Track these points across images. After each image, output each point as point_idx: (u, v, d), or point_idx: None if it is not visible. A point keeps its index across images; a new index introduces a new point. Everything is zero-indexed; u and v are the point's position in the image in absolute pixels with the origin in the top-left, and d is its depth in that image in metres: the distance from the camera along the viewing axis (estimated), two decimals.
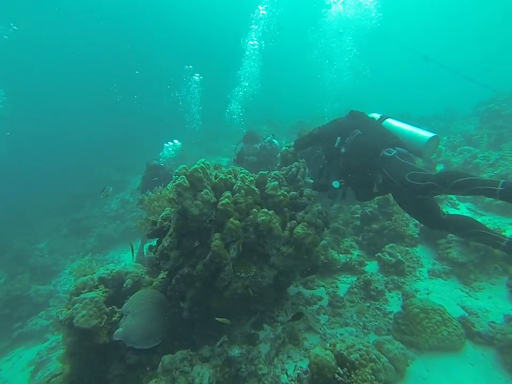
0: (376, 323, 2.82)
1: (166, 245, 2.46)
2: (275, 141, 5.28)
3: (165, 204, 2.95)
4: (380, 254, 3.67)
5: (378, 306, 3.07)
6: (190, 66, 11.95)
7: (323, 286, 3.77)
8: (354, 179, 2.93)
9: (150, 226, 2.64)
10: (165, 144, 9.11)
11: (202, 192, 2.42)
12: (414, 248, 3.83)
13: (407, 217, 4.03)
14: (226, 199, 2.47)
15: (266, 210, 2.68)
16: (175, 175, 2.40)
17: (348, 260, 4.02)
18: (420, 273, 3.38)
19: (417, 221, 4.04)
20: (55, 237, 9.60)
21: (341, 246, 4.48)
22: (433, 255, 3.62)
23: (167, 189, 2.75)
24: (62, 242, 8.87)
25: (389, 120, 2.98)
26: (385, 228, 4.04)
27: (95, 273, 3.30)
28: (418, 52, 9.97)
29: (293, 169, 3.12)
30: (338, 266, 4.01)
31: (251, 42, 10.64)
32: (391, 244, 3.75)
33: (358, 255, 4.11)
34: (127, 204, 9.34)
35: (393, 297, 3.16)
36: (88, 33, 23.60)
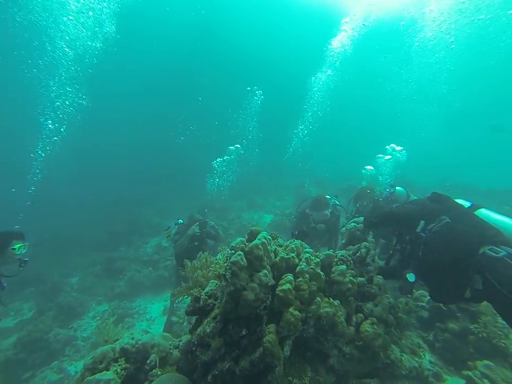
0: None
1: (208, 331, 2.06)
2: (336, 201, 4.83)
3: (210, 273, 2.62)
4: (471, 373, 2.85)
5: None
6: (255, 88, 12.08)
7: None
8: (435, 275, 2.38)
9: (192, 303, 2.29)
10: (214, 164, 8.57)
11: (260, 273, 2.06)
12: None
13: (503, 324, 3.19)
14: (288, 284, 2.08)
15: (331, 300, 2.21)
16: (230, 250, 2.10)
17: (416, 364, 3.20)
18: None
19: None
20: (88, 274, 9.61)
21: (403, 341, 3.65)
22: None
23: (217, 261, 2.44)
24: (93, 280, 8.80)
25: (484, 211, 2.50)
26: (470, 332, 3.22)
27: (118, 340, 2.93)
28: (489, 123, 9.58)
29: (362, 250, 2.68)
30: (403, 372, 3.19)
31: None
32: (485, 362, 2.91)
33: (431, 361, 3.27)
34: (162, 251, 9.24)
35: None
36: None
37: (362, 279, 2.51)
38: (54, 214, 17.44)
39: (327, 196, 4.80)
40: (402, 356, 3.32)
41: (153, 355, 2.80)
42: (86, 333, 6.55)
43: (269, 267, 2.16)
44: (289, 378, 2.06)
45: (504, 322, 3.22)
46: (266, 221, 10.89)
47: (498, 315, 3.19)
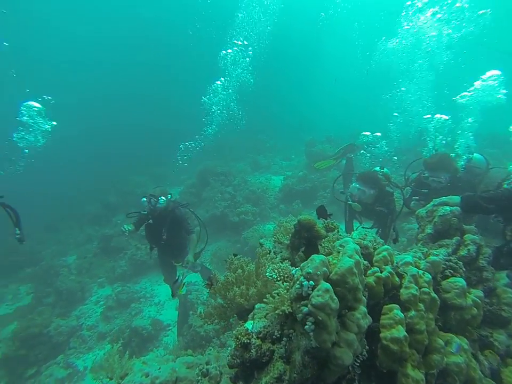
0: None
1: None
2: (386, 170, 3.89)
3: (252, 292, 1.81)
4: None
5: None
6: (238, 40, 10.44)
7: None
8: None
9: (238, 351, 1.49)
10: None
11: (357, 313, 1.24)
12: None
13: None
14: (400, 327, 1.27)
15: (458, 341, 1.43)
16: (304, 279, 1.24)
17: None
18: None
19: None
20: (85, 251, 8.96)
21: None
22: None
23: (275, 287, 1.59)
24: (91, 260, 8.16)
25: None
26: None
27: (127, 375, 2.22)
28: None
29: (469, 248, 1.85)
30: None
31: None
32: None
33: None
34: None
35: None
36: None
37: (479, 293, 1.72)
38: (45, 188, 16.47)
39: (376, 168, 3.87)
40: None
41: None
42: (90, 320, 6.06)
43: (364, 298, 1.33)
44: None
45: None
46: (276, 184, 9.94)
47: None
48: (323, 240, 2.07)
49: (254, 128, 16.15)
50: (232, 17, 11.80)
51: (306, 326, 1.16)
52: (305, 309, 1.19)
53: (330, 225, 2.21)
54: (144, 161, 16.76)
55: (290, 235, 2.37)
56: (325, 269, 1.26)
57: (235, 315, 1.99)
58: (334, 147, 10.73)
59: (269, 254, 2.05)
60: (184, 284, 3.47)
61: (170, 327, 5.29)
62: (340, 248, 1.49)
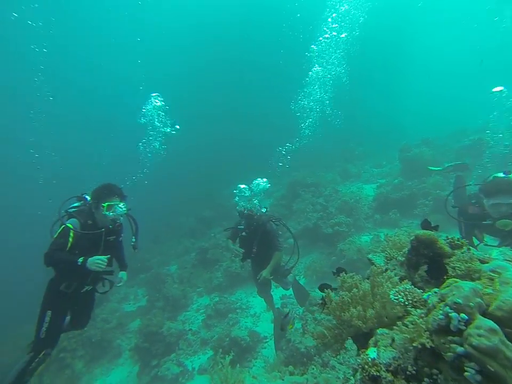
0: None
1: None
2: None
3: (370, 313, 1.66)
4: None
5: None
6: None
7: None
8: None
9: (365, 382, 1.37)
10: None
11: None
12: None
13: None
14: None
15: None
16: (451, 310, 1.06)
17: None
18: None
19: None
20: (184, 262, 10.05)
21: None
22: None
23: (411, 317, 1.43)
24: (190, 270, 9.10)
25: None
26: None
27: None
28: None
29: None
30: None
31: None
32: None
33: None
34: None
35: None
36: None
37: None
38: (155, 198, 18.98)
39: (498, 174, 3.25)
40: None
41: None
42: (193, 326, 6.73)
43: None
44: None
45: None
46: (369, 194, 9.30)
47: None
48: (451, 259, 1.80)
49: (341, 135, 15.64)
50: (319, 17, 11.87)
51: (467, 374, 0.97)
52: (459, 349, 1.00)
53: (456, 242, 1.91)
54: (236, 173, 17.74)
55: (403, 251, 2.16)
56: (478, 300, 1.05)
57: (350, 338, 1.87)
58: (432, 150, 9.53)
59: (385, 272, 1.87)
60: (294, 319, 3.45)
61: (267, 340, 5.41)
62: (492, 274, 1.24)
